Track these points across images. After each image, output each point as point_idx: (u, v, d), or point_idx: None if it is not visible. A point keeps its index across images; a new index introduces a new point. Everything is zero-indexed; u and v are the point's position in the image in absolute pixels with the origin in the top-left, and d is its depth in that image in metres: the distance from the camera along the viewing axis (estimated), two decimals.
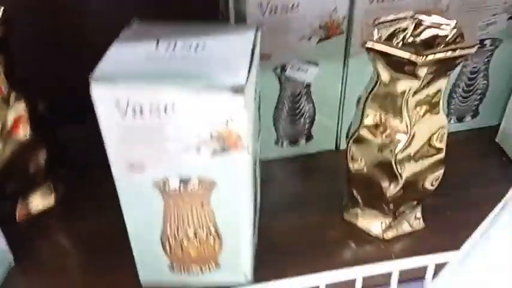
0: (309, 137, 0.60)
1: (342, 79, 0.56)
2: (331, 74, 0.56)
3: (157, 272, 0.45)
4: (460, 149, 0.58)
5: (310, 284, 0.40)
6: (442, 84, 0.42)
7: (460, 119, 0.64)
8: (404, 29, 0.43)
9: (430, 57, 0.38)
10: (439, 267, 0.36)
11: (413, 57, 0.38)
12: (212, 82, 0.33)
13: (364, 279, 0.41)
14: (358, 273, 0.40)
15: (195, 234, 0.41)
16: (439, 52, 0.38)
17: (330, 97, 0.58)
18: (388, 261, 0.41)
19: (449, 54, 0.38)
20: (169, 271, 0.44)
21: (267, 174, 0.56)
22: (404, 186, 0.45)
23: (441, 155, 0.46)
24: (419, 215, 0.51)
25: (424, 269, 0.41)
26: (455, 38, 0.42)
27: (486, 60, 0.59)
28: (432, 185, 0.47)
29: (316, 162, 0.60)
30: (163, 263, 0.44)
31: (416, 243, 0.49)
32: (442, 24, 0.42)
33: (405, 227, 0.50)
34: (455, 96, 0.62)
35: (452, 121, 0.63)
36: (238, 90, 0.33)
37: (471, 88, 0.61)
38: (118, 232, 0.42)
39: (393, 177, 0.45)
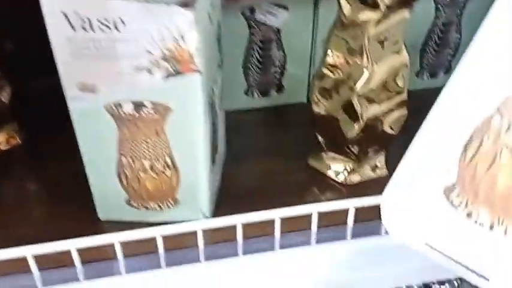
0: (280, 88, 0.59)
1: (313, 26, 0.56)
2: (301, 19, 0.55)
3: (115, 207, 0.44)
4: (431, 104, 0.58)
5: (265, 216, 0.40)
6: (404, 15, 0.41)
7: (433, 75, 0.63)
8: None
9: None
10: None
11: None
12: None
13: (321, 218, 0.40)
14: (313, 209, 0.40)
15: (151, 166, 0.41)
16: None
17: (300, 46, 0.57)
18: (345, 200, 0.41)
19: None
20: (128, 206, 0.44)
21: (236, 124, 0.56)
22: (365, 127, 0.45)
23: (402, 96, 0.46)
24: (382, 161, 0.51)
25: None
26: None
27: (459, 12, 0.57)
28: (392, 128, 0.47)
29: (286, 114, 0.60)
30: (120, 197, 0.43)
31: (378, 190, 0.49)
32: None
33: (368, 173, 0.50)
34: (428, 50, 0.60)
35: (425, 77, 0.62)
36: (187, 3, 0.32)
37: (443, 42, 0.59)
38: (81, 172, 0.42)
39: (354, 116, 0.45)
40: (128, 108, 0.37)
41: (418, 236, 0.35)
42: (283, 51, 0.56)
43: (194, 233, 0.39)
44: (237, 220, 0.39)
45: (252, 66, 0.57)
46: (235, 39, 0.55)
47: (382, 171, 0.50)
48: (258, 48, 0.56)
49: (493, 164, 0.31)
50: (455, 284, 0.66)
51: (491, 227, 0.32)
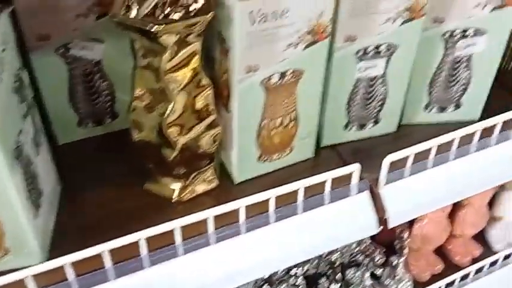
0: (113, 115, 0.60)
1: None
2: (120, 49, 0.56)
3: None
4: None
5: (93, 252, 0.42)
6: (196, 48, 0.45)
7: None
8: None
9: (166, 26, 0.41)
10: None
11: (148, 27, 0.41)
12: None
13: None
14: (141, 235, 0.44)
15: None
16: (172, 22, 0.42)
17: (125, 73, 0.55)
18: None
19: (181, 23, 0.42)
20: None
21: (73, 156, 0.57)
22: (183, 150, 0.49)
23: (212, 117, 0.50)
24: (212, 174, 0.54)
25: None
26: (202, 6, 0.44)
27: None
28: (212, 145, 0.52)
29: (122, 140, 0.58)
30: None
31: (212, 201, 0.54)
32: None
33: (201, 187, 0.54)
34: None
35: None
36: None
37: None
38: None
39: (169, 143, 0.48)
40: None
41: None
42: (109, 80, 0.60)
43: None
44: (65, 260, 0.42)
45: (79, 99, 0.57)
46: (55, 77, 0.55)
47: (213, 183, 0.54)
48: (81, 82, 0.58)
49: None
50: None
51: None
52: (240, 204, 0.46)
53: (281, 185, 0.49)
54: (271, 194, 0.47)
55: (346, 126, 0.59)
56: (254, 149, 0.53)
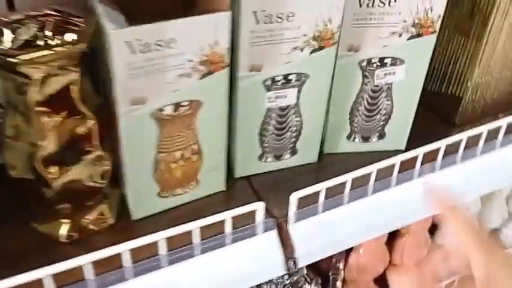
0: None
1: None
2: None
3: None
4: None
5: None
6: (70, 78, 0.41)
7: (365, 139, 0.60)
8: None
9: (24, 57, 0.38)
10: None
11: (7, 59, 0.38)
12: None
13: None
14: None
15: None
16: (33, 52, 0.38)
17: None
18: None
19: (41, 53, 0.38)
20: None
21: None
22: (66, 188, 0.45)
23: (97, 152, 0.45)
24: (106, 211, 0.50)
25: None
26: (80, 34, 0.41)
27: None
28: (100, 182, 0.47)
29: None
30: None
31: (105, 240, 0.48)
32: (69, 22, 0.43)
33: (93, 226, 0.49)
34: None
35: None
36: None
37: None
38: None
39: (46, 180, 0.44)
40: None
41: None
42: None
43: None
44: None
45: None
46: None
47: (108, 221, 0.50)
48: None
49: None
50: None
51: None
52: (122, 249, 0.42)
53: (183, 222, 0.45)
54: (159, 237, 0.44)
55: (261, 157, 0.56)
56: (152, 184, 0.49)
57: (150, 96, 0.43)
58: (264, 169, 0.57)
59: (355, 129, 0.59)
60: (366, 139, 0.60)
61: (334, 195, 0.54)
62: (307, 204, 0.52)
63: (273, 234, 0.50)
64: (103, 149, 0.45)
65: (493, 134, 0.62)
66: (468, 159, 0.60)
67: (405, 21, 0.51)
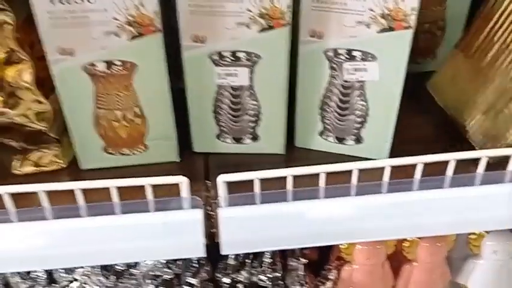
0: None
1: None
2: None
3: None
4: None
5: None
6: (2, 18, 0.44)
7: (340, 139, 0.55)
8: None
9: None
10: None
11: None
12: None
13: None
14: None
15: None
16: None
17: None
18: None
19: None
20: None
21: None
22: (14, 123, 0.49)
23: (34, 96, 0.48)
24: (59, 156, 0.54)
25: None
26: None
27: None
28: (39, 123, 0.50)
29: None
30: None
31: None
32: None
33: (44, 166, 0.54)
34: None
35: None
36: None
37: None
38: None
39: None
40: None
41: None
42: None
43: None
44: None
45: None
46: None
47: (59, 165, 0.54)
48: None
49: None
50: None
51: None
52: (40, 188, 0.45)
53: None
54: (76, 186, 0.45)
55: (219, 136, 0.54)
56: (95, 138, 0.52)
57: (77, 48, 0.45)
58: (223, 149, 0.55)
59: (328, 126, 0.54)
60: (340, 140, 0.55)
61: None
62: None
63: (198, 212, 0.49)
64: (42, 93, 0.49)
65: None
66: None
67: (372, 11, 0.45)
